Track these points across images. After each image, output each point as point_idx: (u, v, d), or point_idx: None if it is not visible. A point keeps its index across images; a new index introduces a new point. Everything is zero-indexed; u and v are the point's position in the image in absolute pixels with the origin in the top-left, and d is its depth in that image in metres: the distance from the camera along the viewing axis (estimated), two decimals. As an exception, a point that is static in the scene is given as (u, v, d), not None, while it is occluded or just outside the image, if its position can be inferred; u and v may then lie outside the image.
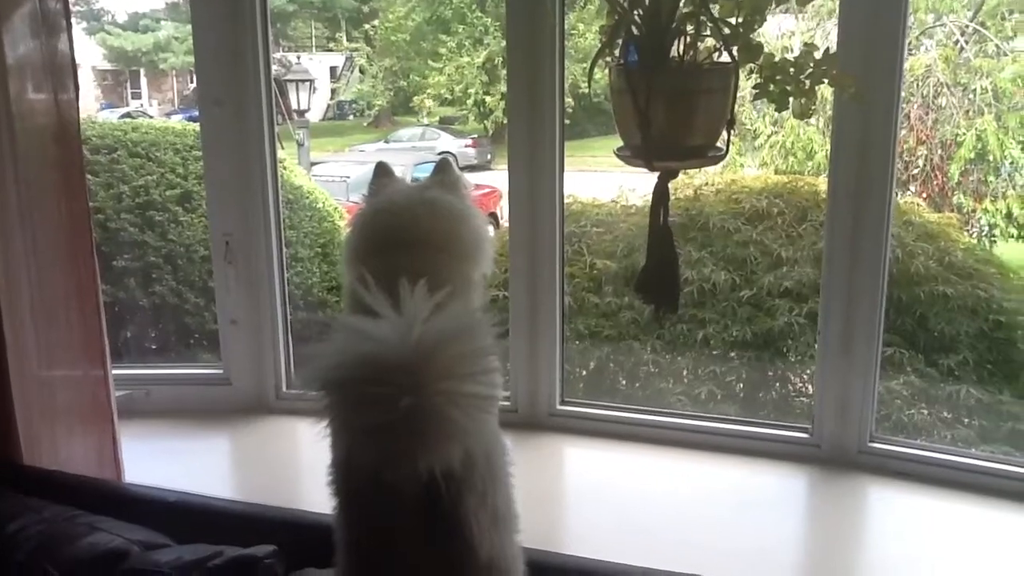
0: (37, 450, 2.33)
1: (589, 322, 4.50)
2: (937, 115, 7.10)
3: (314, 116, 12.27)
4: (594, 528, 2.57)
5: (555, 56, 2.82)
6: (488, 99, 13.21)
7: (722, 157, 1.98)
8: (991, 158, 6.93)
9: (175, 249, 5.10)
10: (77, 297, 2.44)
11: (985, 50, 7.34)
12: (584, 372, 4.58)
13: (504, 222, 3.51)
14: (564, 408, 3.08)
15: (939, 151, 7.06)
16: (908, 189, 6.92)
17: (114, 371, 2.57)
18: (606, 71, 2.01)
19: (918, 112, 7.03)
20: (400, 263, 1.66)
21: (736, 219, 4.62)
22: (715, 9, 1.85)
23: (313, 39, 17.30)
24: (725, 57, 1.87)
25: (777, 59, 1.85)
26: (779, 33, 6.83)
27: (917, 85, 6.95)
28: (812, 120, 6.21)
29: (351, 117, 16.82)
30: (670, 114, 1.88)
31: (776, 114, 4.91)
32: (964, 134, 6.95)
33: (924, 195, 6.93)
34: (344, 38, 17.10)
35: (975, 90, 7.08)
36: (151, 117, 12.99)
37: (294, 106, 9.36)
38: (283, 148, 4.20)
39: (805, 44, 1.91)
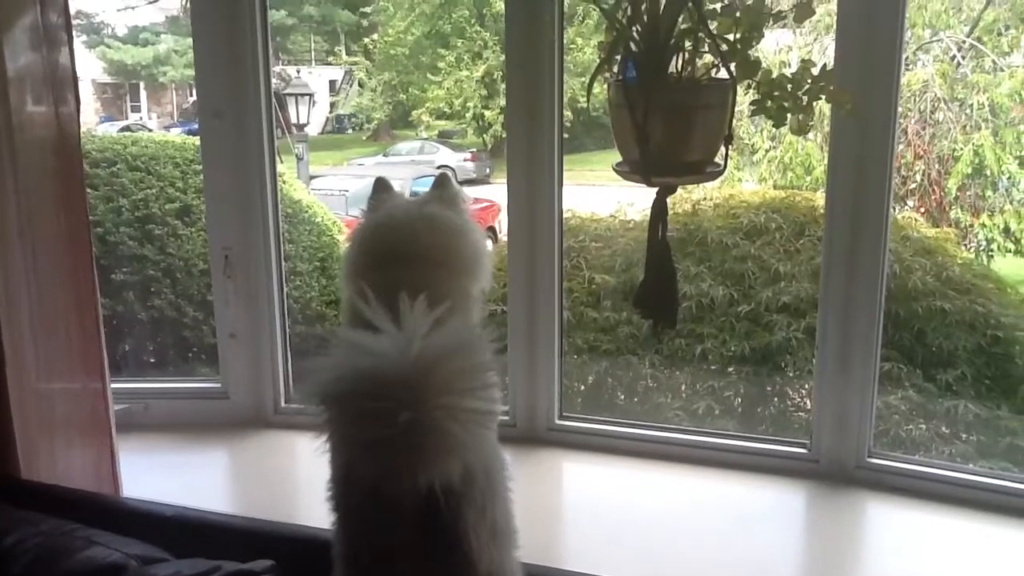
0: (35, 463, 2.32)
1: (587, 337, 4.50)
2: (934, 130, 7.13)
3: (313, 130, 12.30)
4: (592, 543, 2.57)
5: (554, 70, 2.83)
6: (487, 113, 13.25)
7: (720, 173, 1.99)
8: (988, 173, 6.95)
9: (174, 263, 5.09)
10: (76, 310, 2.44)
11: (982, 65, 7.38)
12: (582, 387, 4.58)
13: (503, 236, 3.52)
14: (562, 423, 3.08)
15: (936, 166, 7.08)
16: (906, 204, 6.94)
17: (112, 385, 2.56)
18: (605, 86, 2.02)
19: (915, 127, 7.06)
20: (399, 278, 1.66)
21: (734, 234, 4.62)
22: (713, 26, 1.86)
23: (312, 53, 17.35)
24: (723, 73, 1.88)
25: (775, 75, 1.87)
26: (777, 48, 6.86)
27: (914, 100, 6.97)
28: (810, 135, 6.23)
29: (350, 131, 16.86)
30: (668, 130, 1.89)
31: (774, 129, 4.91)
32: (961, 149, 6.97)
33: (922, 210, 6.94)
34: (343, 52, 17.15)
35: (972, 105, 7.11)
36: (150, 130, 13.01)
37: (293, 120, 9.38)
38: (282, 162, 4.21)
39: (803, 60, 1.92)
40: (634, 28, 1.90)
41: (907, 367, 4.20)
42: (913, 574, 2.43)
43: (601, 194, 5.22)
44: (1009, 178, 7.06)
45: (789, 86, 1.87)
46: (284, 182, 4.85)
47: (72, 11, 2.42)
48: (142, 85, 17.32)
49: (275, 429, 3.22)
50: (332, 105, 16.92)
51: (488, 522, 1.58)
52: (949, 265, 4.51)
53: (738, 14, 1.86)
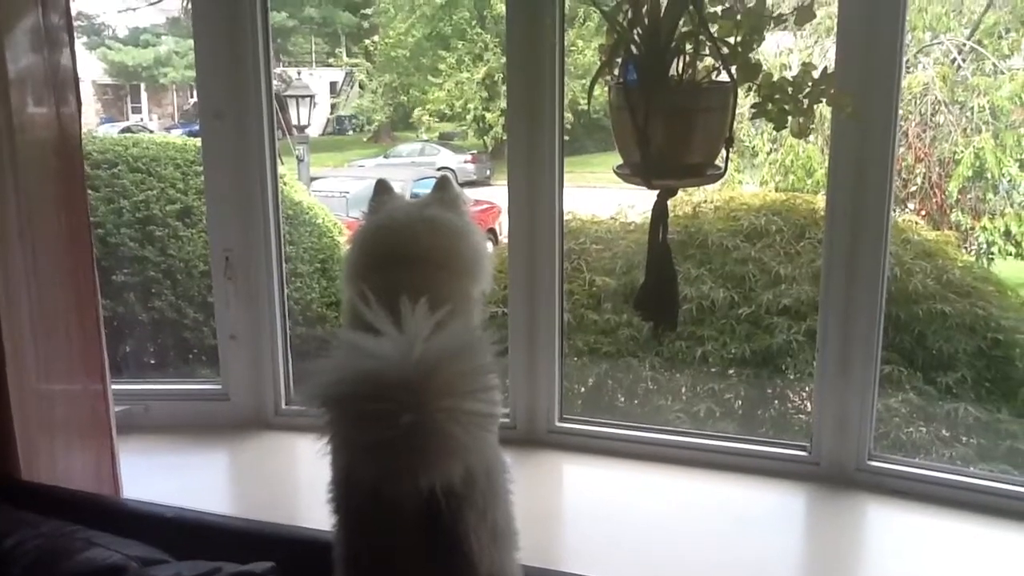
0: (35, 464, 2.32)
1: (588, 339, 4.50)
2: (935, 133, 7.13)
3: (313, 131, 12.29)
4: (592, 545, 2.57)
5: (555, 73, 2.83)
6: (488, 115, 13.24)
7: (721, 175, 2.00)
8: (989, 176, 6.95)
9: (175, 264, 5.09)
10: (77, 311, 2.44)
11: (982, 68, 7.38)
12: (583, 389, 4.58)
13: (503, 238, 3.52)
14: (563, 425, 3.08)
15: (937, 169, 7.09)
16: (907, 207, 6.94)
17: (113, 386, 2.56)
18: (605, 89, 2.02)
19: (916, 130, 7.06)
20: (400, 280, 1.67)
21: (735, 236, 4.62)
22: (714, 29, 1.86)
23: (313, 54, 17.34)
24: (724, 76, 1.89)
25: (775, 78, 1.87)
26: (778, 51, 6.86)
27: (915, 103, 6.98)
28: (811, 138, 6.23)
29: (350, 132, 16.84)
30: (669, 132, 1.89)
31: (775, 132, 4.92)
32: (962, 152, 6.97)
33: (923, 212, 6.95)
34: (344, 54, 17.14)
35: (973, 108, 7.11)
36: (151, 131, 13.01)
37: (294, 121, 9.38)
38: (283, 163, 4.21)
39: (803, 64, 1.93)
40: (635, 31, 1.90)
41: (907, 370, 4.20)
42: (913, 577, 2.43)
43: (602, 196, 5.22)
44: (1010, 181, 7.06)
45: (790, 89, 1.87)
46: (285, 183, 4.85)
47: (73, 12, 2.42)
48: (143, 86, 17.31)
49: (275, 431, 3.22)
50: (333, 107, 16.91)
51: (489, 524, 1.58)
52: (949, 268, 4.50)
53: (739, 17, 1.86)
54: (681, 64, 1.92)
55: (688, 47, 1.90)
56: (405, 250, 1.83)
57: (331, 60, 17.26)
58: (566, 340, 3.30)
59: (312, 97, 10.31)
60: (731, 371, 4.46)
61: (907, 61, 6.82)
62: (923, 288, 4.29)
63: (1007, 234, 7.05)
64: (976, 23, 7.58)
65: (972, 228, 7.09)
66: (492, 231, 9.98)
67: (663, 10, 1.87)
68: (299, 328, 5.11)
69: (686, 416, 4.40)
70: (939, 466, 3.06)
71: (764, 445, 3.01)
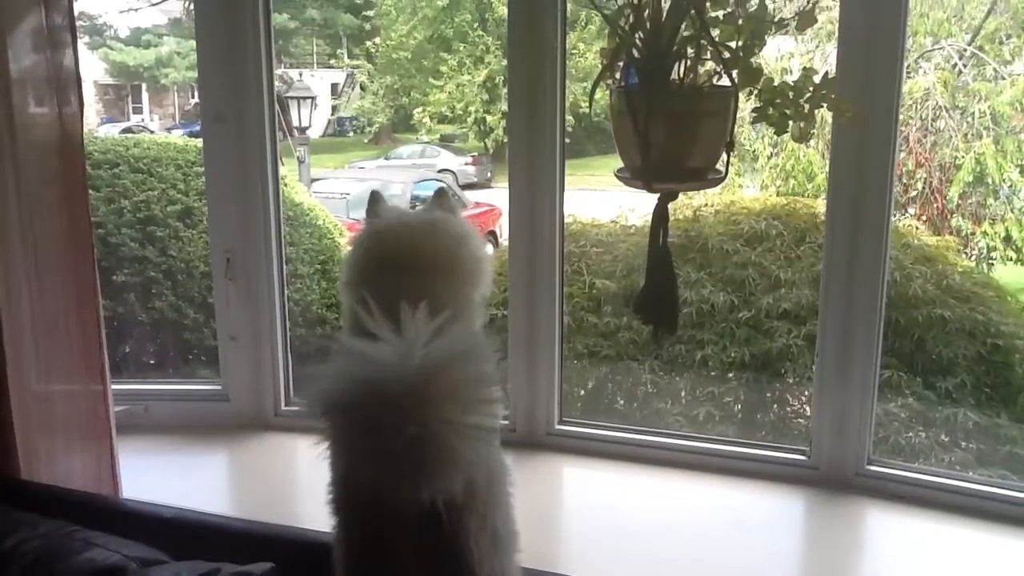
0: (35, 464, 2.32)
1: (588, 342, 4.50)
2: (936, 138, 7.14)
3: (314, 132, 12.31)
4: (591, 548, 2.57)
5: (556, 75, 2.84)
6: (489, 117, 13.27)
7: (721, 179, 2.00)
8: (990, 181, 6.97)
9: (175, 264, 5.10)
10: (77, 311, 2.44)
11: (983, 74, 7.40)
12: (582, 392, 4.58)
13: (504, 241, 3.52)
14: (562, 428, 3.08)
15: (938, 174, 7.10)
16: (907, 211, 6.95)
17: (113, 386, 2.56)
18: (607, 92, 2.02)
19: (917, 135, 7.07)
20: (400, 285, 1.66)
21: (735, 240, 4.62)
22: (715, 33, 1.86)
23: (315, 56, 17.36)
24: (725, 80, 1.89)
25: (776, 83, 1.87)
26: (779, 55, 6.87)
27: (916, 108, 6.99)
28: (812, 143, 6.24)
29: (351, 134, 16.88)
30: (670, 136, 1.89)
31: (776, 137, 4.93)
32: (963, 157, 6.98)
33: (924, 217, 6.96)
34: (345, 55, 17.16)
35: (974, 113, 7.12)
36: (152, 132, 13.04)
37: (295, 123, 9.39)
38: (283, 164, 4.22)
39: (804, 68, 1.93)
40: (636, 35, 1.90)
41: (907, 375, 4.20)
42: (911, 582, 2.44)
43: (602, 199, 5.22)
44: (1010, 186, 7.07)
45: (791, 94, 1.88)
46: (285, 185, 4.86)
47: (75, 12, 2.42)
48: (144, 87, 17.34)
49: (275, 431, 3.22)
50: (334, 108, 16.94)
51: (489, 530, 1.59)
52: (949, 273, 4.51)
53: (740, 22, 1.86)
54: (682, 68, 1.92)
55: (689, 51, 1.90)
56: (405, 255, 1.82)
57: (332, 62, 17.29)
58: (566, 343, 3.30)
59: (313, 98, 10.34)
60: (731, 375, 4.46)
61: (908, 66, 6.83)
62: (923, 293, 4.29)
63: (1007, 239, 7.06)
64: (977, 28, 7.60)
65: (973, 233, 7.10)
66: (492, 233, 9.99)
67: (665, 14, 1.88)
68: (299, 329, 5.11)
69: (685, 420, 4.40)
70: (938, 471, 3.06)
71: (763, 449, 3.01)
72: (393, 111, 15.74)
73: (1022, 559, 2.53)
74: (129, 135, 6.52)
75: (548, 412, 3.05)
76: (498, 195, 9.65)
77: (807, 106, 1.88)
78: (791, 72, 6.29)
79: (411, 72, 14.72)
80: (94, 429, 2.51)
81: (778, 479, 2.86)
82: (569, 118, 3.11)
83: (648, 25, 1.88)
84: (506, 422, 3.02)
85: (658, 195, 2.02)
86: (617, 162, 2.03)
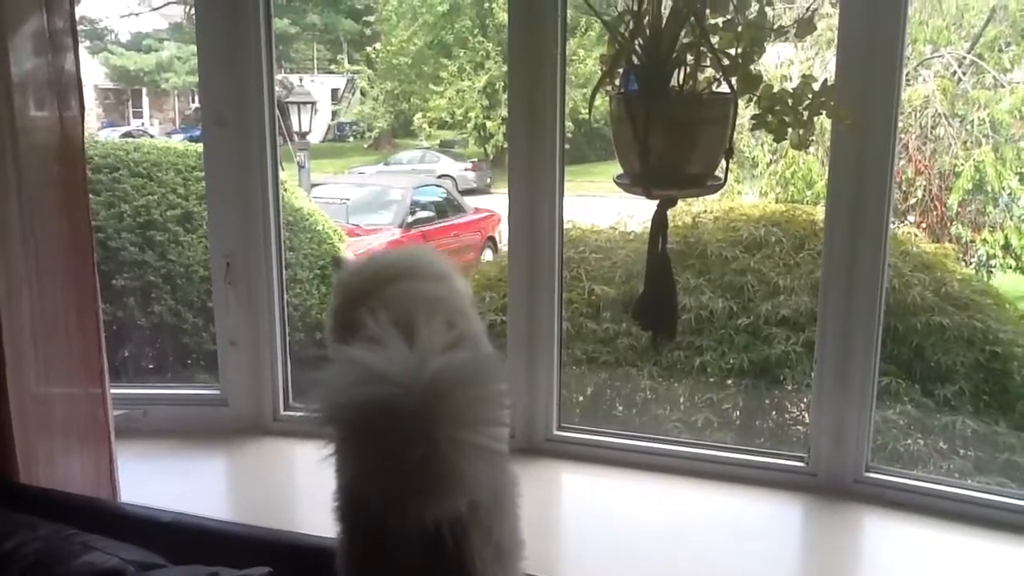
0: (34, 467, 2.32)
1: (587, 348, 4.50)
2: (935, 146, 7.15)
3: (314, 137, 12.32)
4: (589, 554, 2.57)
5: (556, 82, 2.84)
6: (488, 123, 13.27)
7: (720, 186, 2.00)
8: (989, 189, 6.97)
9: (175, 269, 5.10)
10: (77, 315, 2.44)
11: (983, 82, 7.40)
12: (581, 398, 4.58)
13: (503, 246, 3.52)
14: (561, 433, 3.08)
15: (937, 181, 7.10)
16: (907, 219, 6.95)
17: (112, 390, 2.56)
18: (607, 98, 2.03)
19: (916, 143, 7.08)
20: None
21: (734, 247, 4.62)
22: (715, 40, 1.87)
23: (315, 61, 17.38)
24: (724, 87, 1.89)
25: (776, 90, 1.88)
26: (778, 62, 6.87)
27: (915, 116, 6.99)
28: (812, 150, 6.24)
29: (351, 139, 16.88)
30: (669, 143, 1.90)
31: (775, 144, 4.93)
32: (962, 165, 6.98)
33: (923, 225, 6.96)
34: (346, 60, 17.18)
35: (973, 121, 7.12)
36: (152, 136, 13.05)
37: (295, 128, 9.41)
38: (283, 169, 4.22)
39: (803, 75, 1.94)
40: (636, 41, 1.91)
41: (905, 382, 4.20)
42: (909, 589, 2.44)
43: (602, 205, 5.23)
44: (1010, 194, 7.08)
45: (790, 101, 1.88)
46: (285, 190, 4.86)
47: (76, 16, 2.42)
48: (144, 91, 17.35)
49: (274, 436, 3.22)
50: (334, 113, 16.95)
51: (494, 544, 1.59)
52: (948, 280, 4.51)
53: (740, 29, 1.87)
54: (682, 75, 1.92)
55: (689, 58, 1.91)
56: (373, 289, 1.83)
57: (333, 67, 17.30)
58: (565, 349, 3.30)
59: (313, 104, 10.35)
60: (729, 381, 4.46)
61: (908, 74, 6.84)
62: (922, 300, 4.29)
63: (1006, 247, 7.06)
64: (976, 36, 7.61)
65: (972, 241, 7.10)
66: (492, 239, 10.01)
67: (664, 21, 1.88)
68: (298, 334, 5.11)
69: (684, 426, 4.40)
70: (936, 478, 3.06)
71: (762, 456, 3.01)
72: (393, 116, 15.75)
73: (1020, 566, 2.53)
74: (129, 139, 6.53)
75: (547, 418, 3.05)
76: (498, 201, 9.65)
77: (806, 113, 1.89)
78: (791, 79, 6.29)
79: (411, 77, 14.73)
80: (93, 432, 2.51)
81: (776, 486, 2.86)
82: (569, 124, 3.12)
83: (648, 32, 1.89)
84: (505, 427, 3.02)
85: (657, 201, 2.02)
86: (617, 168, 2.04)
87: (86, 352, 2.47)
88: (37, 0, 2.29)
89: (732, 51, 1.88)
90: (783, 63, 6.93)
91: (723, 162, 1.97)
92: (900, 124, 2.67)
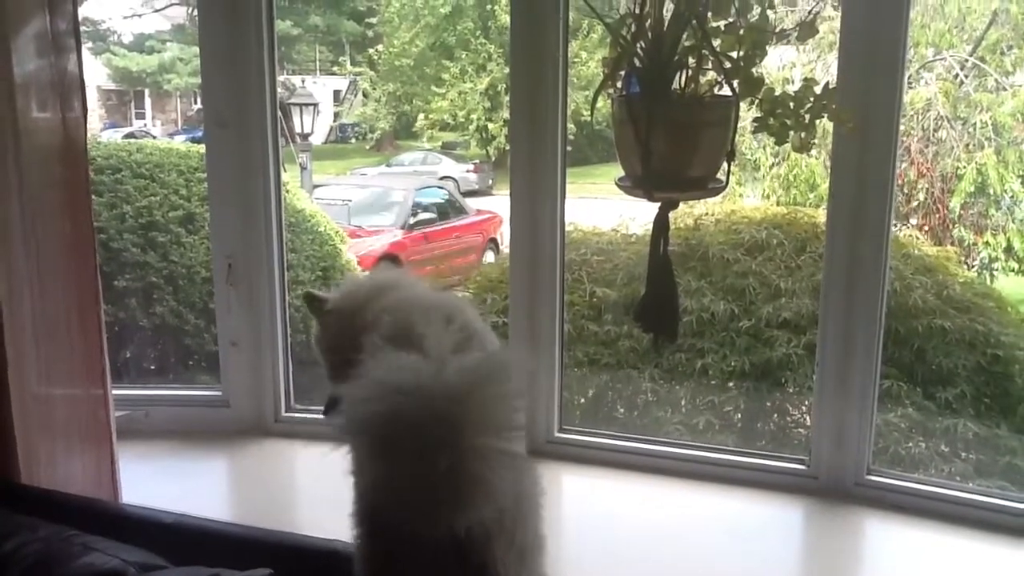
0: (35, 468, 2.32)
1: (588, 350, 4.50)
2: (938, 148, 7.15)
3: (316, 139, 12.32)
4: (590, 555, 2.57)
5: (558, 83, 2.84)
6: (490, 125, 13.28)
7: (722, 189, 2.01)
8: (991, 192, 6.97)
9: (176, 270, 5.10)
10: (79, 316, 2.44)
11: (985, 85, 7.40)
12: (582, 400, 4.58)
13: (504, 248, 3.52)
14: (562, 435, 3.09)
15: (939, 184, 7.10)
16: (909, 221, 6.95)
17: (114, 391, 2.56)
18: (608, 101, 2.03)
19: (918, 145, 7.08)
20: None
21: (735, 249, 4.62)
22: (717, 43, 1.87)
23: (317, 63, 17.38)
24: (726, 90, 1.90)
25: (777, 93, 1.88)
26: (780, 64, 6.87)
27: (918, 118, 6.99)
28: (814, 153, 6.24)
29: (353, 140, 16.88)
30: (671, 145, 1.90)
31: (777, 146, 4.93)
32: (964, 168, 6.98)
33: (925, 228, 6.96)
34: (348, 62, 17.18)
35: (975, 124, 7.12)
36: (154, 137, 13.05)
37: (298, 129, 9.41)
38: (285, 171, 4.22)
39: (805, 79, 1.94)
40: (638, 44, 1.91)
41: (907, 385, 4.20)
42: (910, 592, 2.43)
43: (603, 207, 5.23)
44: (1012, 197, 7.08)
45: (791, 104, 1.88)
46: (287, 191, 4.86)
47: (79, 18, 2.43)
48: (147, 92, 17.36)
49: (275, 437, 3.22)
50: (336, 115, 16.95)
51: (517, 546, 1.59)
52: (950, 283, 4.51)
53: (741, 32, 1.87)
54: (684, 78, 1.93)
55: (691, 61, 1.91)
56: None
57: (335, 68, 17.30)
58: (566, 351, 3.30)
59: (316, 105, 10.36)
60: (731, 384, 4.46)
61: (910, 77, 6.84)
62: (923, 303, 4.29)
63: (1009, 250, 7.06)
64: (979, 40, 7.61)
65: (974, 244, 7.10)
66: (493, 241, 10.01)
67: (666, 24, 1.89)
68: (300, 335, 5.11)
69: (685, 428, 4.40)
70: (937, 481, 3.06)
71: (763, 458, 3.01)
72: (395, 118, 15.75)
73: (1021, 570, 2.53)
74: (132, 140, 6.53)
75: (548, 420, 3.06)
76: (499, 202, 9.64)
77: (807, 116, 1.89)
78: (792, 82, 6.29)
79: (413, 79, 14.74)
80: (94, 433, 2.51)
81: (777, 488, 2.86)
82: (571, 126, 3.12)
83: (650, 35, 1.89)
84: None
85: (659, 204, 2.02)
86: (618, 170, 2.04)
87: (88, 353, 2.48)
88: (40, 1, 2.29)
89: (734, 54, 1.88)
90: (785, 66, 6.93)
91: (725, 165, 1.97)
92: (902, 127, 2.68)
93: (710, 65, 1.91)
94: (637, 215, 4.84)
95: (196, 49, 3.13)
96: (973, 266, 6.96)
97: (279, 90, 3.23)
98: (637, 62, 1.93)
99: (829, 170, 2.80)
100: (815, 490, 2.81)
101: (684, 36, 1.89)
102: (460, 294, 1.98)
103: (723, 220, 4.85)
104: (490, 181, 13.36)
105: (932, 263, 4.66)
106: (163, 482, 2.85)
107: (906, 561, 2.56)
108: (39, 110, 2.34)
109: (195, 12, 3.14)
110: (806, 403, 4.29)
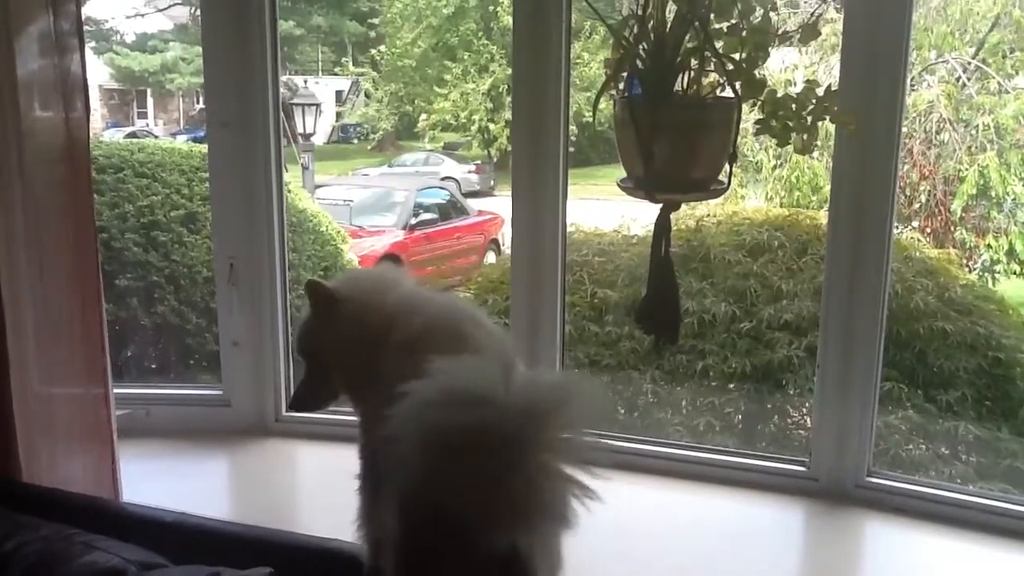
0: (36, 467, 2.32)
1: (589, 351, 4.50)
2: (940, 151, 7.15)
3: (318, 139, 12.33)
4: (589, 557, 2.56)
5: (560, 85, 2.84)
6: (492, 126, 13.28)
7: (724, 190, 2.01)
8: (993, 194, 6.96)
9: (178, 270, 5.11)
10: (80, 315, 2.44)
11: (987, 87, 7.40)
12: (582, 400, 4.57)
13: (506, 249, 3.52)
14: (562, 436, 3.08)
15: (942, 186, 7.10)
16: (911, 224, 6.94)
17: (115, 390, 2.56)
18: (611, 102, 2.03)
19: (921, 148, 7.07)
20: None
21: (737, 251, 4.63)
22: (719, 45, 1.87)
23: (320, 63, 17.40)
24: (728, 92, 1.90)
25: (779, 95, 1.88)
26: (783, 66, 6.87)
27: (920, 121, 6.99)
28: (817, 154, 6.24)
29: (355, 141, 16.89)
30: (673, 147, 1.90)
31: (779, 148, 4.93)
32: (967, 170, 6.98)
33: (927, 230, 6.96)
34: (350, 63, 17.19)
35: (977, 127, 7.12)
36: (156, 137, 13.06)
37: (300, 130, 9.42)
38: (287, 171, 4.23)
39: (807, 81, 1.94)
40: (641, 46, 1.91)
41: (908, 387, 4.20)
42: (910, 594, 2.43)
43: (605, 208, 5.23)
44: (1014, 200, 7.07)
45: (793, 106, 1.88)
46: (289, 191, 4.87)
47: (82, 17, 2.43)
48: (149, 92, 17.38)
49: (276, 437, 3.21)
50: (338, 115, 16.96)
51: (551, 557, 1.61)
52: (951, 286, 4.51)
53: (744, 34, 1.87)
54: (686, 79, 1.93)
55: (693, 63, 1.91)
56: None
57: (337, 69, 17.32)
58: (567, 352, 3.30)
59: (318, 105, 10.36)
60: (731, 385, 4.46)
61: (912, 79, 6.84)
62: (924, 306, 4.29)
63: (1010, 252, 7.06)
64: (981, 42, 7.61)
65: (976, 246, 7.10)
66: (495, 241, 10.02)
67: (669, 26, 1.89)
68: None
69: (686, 430, 4.40)
70: (938, 484, 3.06)
71: (763, 460, 3.01)
72: (397, 119, 15.76)
73: (1022, 573, 2.53)
74: (134, 140, 6.54)
75: (548, 421, 3.05)
76: (501, 203, 9.66)
77: (809, 118, 1.89)
78: (795, 84, 6.29)
79: (415, 80, 14.75)
80: (96, 432, 2.51)
81: (778, 490, 2.85)
82: (572, 127, 3.12)
83: (652, 36, 1.89)
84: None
85: (661, 205, 2.02)
86: (620, 172, 2.04)
87: (89, 352, 2.48)
88: (43, 1, 2.30)
89: (736, 56, 1.88)
90: (787, 68, 6.92)
91: (727, 166, 1.97)
92: (904, 129, 2.67)
93: (712, 67, 1.91)
94: (639, 216, 4.84)
95: (199, 49, 3.13)
96: (975, 269, 6.96)
97: (281, 90, 3.23)
98: (639, 64, 1.93)
99: (831, 172, 2.80)
100: (815, 492, 2.81)
101: (687, 38, 1.89)
102: (460, 294, 1.96)
103: (725, 222, 4.86)
104: (492, 182, 13.37)
105: (934, 265, 4.66)
106: (164, 481, 2.85)
107: (906, 564, 2.56)
108: (42, 110, 2.34)
109: (198, 12, 3.14)
110: (807, 405, 4.29)
